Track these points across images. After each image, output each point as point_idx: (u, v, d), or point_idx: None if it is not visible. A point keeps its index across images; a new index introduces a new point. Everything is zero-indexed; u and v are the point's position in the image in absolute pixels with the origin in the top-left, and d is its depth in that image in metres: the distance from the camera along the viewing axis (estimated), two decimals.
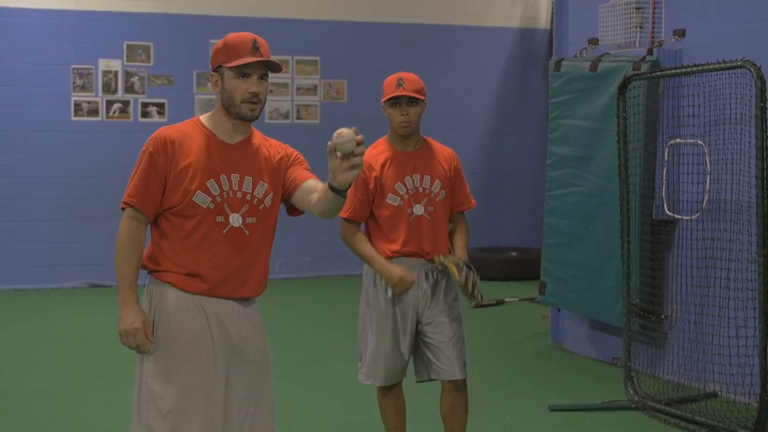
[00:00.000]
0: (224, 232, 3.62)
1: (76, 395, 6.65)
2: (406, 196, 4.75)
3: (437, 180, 4.80)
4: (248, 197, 3.66)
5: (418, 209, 4.76)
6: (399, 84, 4.69)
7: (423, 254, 4.77)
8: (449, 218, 4.92)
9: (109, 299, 10.04)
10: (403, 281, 4.67)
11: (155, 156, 3.57)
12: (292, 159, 3.79)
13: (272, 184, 3.72)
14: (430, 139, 4.92)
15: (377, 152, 4.79)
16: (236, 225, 3.64)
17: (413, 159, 4.79)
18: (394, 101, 4.70)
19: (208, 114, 3.74)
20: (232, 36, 3.63)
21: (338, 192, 3.35)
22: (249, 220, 3.66)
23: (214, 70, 3.64)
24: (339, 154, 3.23)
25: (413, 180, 4.76)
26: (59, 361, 7.63)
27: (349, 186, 3.34)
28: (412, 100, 4.70)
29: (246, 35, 3.62)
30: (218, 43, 3.66)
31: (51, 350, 8.01)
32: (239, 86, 3.57)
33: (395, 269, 4.68)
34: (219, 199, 3.61)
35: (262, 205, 3.69)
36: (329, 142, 3.23)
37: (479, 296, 4.76)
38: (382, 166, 4.75)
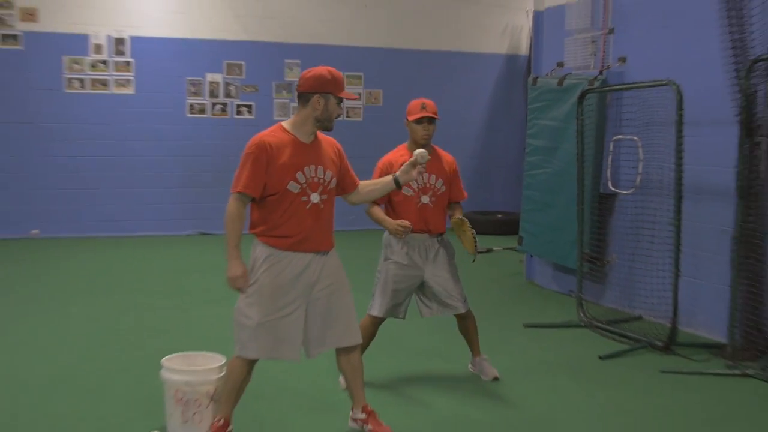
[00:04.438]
0: (307, 207, 3.72)
1: (190, 311, 6.68)
2: (417, 189, 4.69)
3: (440, 178, 4.73)
4: (322, 181, 3.76)
5: (425, 199, 4.70)
6: (423, 107, 4.63)
7: (427, 231, 4.71)
8: (448, 206, 4.83)
9: (213, 244, 10.18)
10: (402, 226, 4.51)
11: (260, 157, 3.63)
12: (341, 153, 3.91)
13: (334, 171, 3.82)
14: (437, 147, 4.83)
15: (398, 155, 4.71)
16: (315, 201, 3.73)
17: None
18: (420, 120, 4.65)
19: (289, 121, 3.77)
20: (335, 72, 3.73)
21: (399, 186, 3.96)
22: (323, 197, 3.76)
23: (319, 94, 3.68)
24: (418, 165, 3.91)
25: (423, 177, 4.70)
26: (176, 287, 7.66)
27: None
28: (432, 120, 4.66)
29: (340, 74, 3.75)
30: (322, 73, 3.70)
31: (173, 277, 8.02)
32: (336, 109, 3.73)
33: (393, 222, 4.54)
34: (305, 185, 3.69)
35: (330, 186, 3.80)
36: (412, 159, 3.90)
37: (477, 248, 4.64)
38: (401, 165, 4.63)
